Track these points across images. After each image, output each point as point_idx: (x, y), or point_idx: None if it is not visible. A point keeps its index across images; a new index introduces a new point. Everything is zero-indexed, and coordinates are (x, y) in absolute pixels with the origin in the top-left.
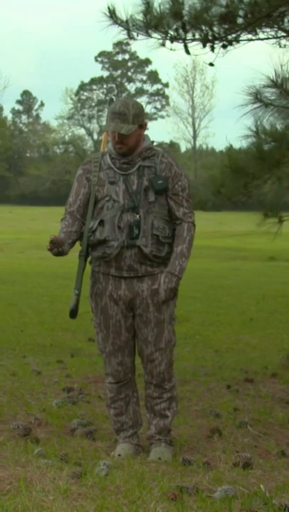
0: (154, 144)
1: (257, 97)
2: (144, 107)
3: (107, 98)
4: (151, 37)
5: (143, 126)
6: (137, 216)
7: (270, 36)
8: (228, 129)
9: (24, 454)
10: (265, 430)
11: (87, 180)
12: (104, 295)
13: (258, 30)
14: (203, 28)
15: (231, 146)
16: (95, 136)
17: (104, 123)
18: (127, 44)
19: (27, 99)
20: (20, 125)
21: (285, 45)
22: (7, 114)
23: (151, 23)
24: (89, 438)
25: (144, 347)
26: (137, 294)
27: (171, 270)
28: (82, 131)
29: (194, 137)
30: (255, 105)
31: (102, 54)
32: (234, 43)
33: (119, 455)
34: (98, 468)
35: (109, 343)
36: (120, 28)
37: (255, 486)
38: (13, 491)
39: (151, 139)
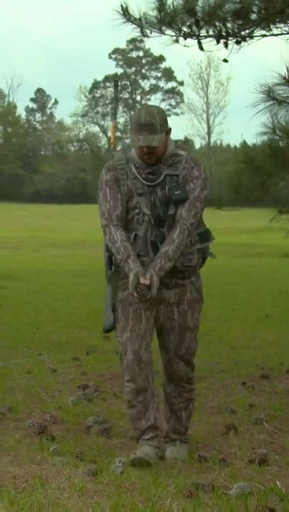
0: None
1: (270, 94)
2: (158, 104)
3: (113, 82)
4: (165, 34)
5: (168, 132)
6: (163, 230)
7: (284, 32)
8: (243, 125)
9: (40, 451)
10: (281, 426)
11: (117, 183)
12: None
13: (271, 26)
14: (217, 24)
15: (245, 142)
16: (109, 134)
17: (118, 120)
18: (141, 41)
19: (41, 97)
20: (35, 123)
21: None
22: (21, 112)
23: (165, 20)
24: (104, 435)
25: (164, 351)
26: (163, 299)
27: (150, 267)
28: (97, 128)
29: (209, 134)
30: (269, 103)
31: (116, 51)
32: (248, 39)
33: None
34: (114, 466)
35: (127, 330)
36: (133, 25)
37: (271, 482)
38: (28, 488)
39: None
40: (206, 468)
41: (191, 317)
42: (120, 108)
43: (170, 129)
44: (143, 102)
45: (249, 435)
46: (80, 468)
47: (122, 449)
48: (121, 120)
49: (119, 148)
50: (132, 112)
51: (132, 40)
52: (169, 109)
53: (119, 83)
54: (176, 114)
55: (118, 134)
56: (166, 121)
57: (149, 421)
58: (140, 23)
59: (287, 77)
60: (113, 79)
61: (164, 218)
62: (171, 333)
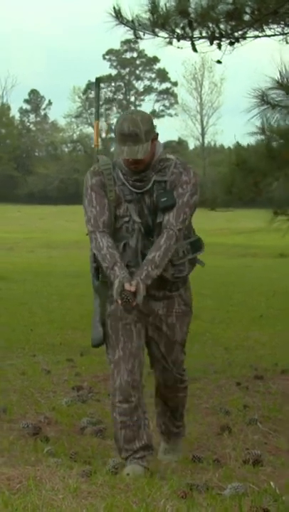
0: (163, 145)
1: (263, 98)
2: (152, 105)
3: (94, 81)
4: (158, 36)
5: (155, 138)
6: (152, 240)
7: (277, 33)
8: (236, 126)
9: (34, 452)
10: (275, 427)
11: (103, 189)
12: (116, 303)
13: (264, 27)
14: (210, 25)
15: (238, 143)
16: (103, 135)
17: (112, 121)
18: (135, 42)
19: (35, 98)
20: (28, 124)
21: None
22: (15, 113)
23: (158, 21)
24: (98, 436)
25: (154, 360)
26: (152, 311)
27: (136, 274)
28: (90, 129)
29: (202, 135)
30: (263, 107)
31: (110, 52)
32: (241, 40)
33: (128, 474)
34: (108, 467)
35: (119, 348)
36: (126, 28)
37: (265, 483)
38: (22, 489)
39: (161, 142)
40: (200, 469)
41: (180, 330)
42: (114, 109)
43: (157, 134)
44: (137, 103)
45: (243, 436)
46: (74, 469)
47: (116, 450)
48: (115, 121)
49: (112, 149)
50: None
51: (126, 41)
52: (163, 110)
53: (114, 84)
54: (170, 115)
55: (112, 135)
56: (151, 128)
57: (142, 440)
58: (133, 25)
59: (280, 80)
60: (95, 78)
61: (152, 227)
62: (160, 344)
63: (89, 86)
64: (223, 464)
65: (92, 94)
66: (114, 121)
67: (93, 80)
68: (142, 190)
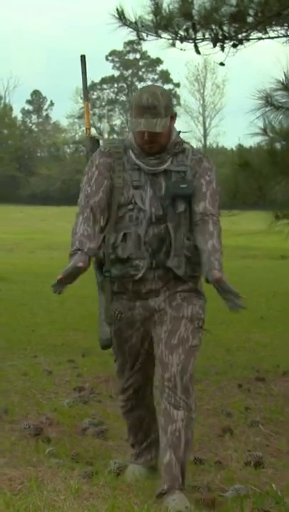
0: (180, 134)
1: (268, 100)
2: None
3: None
4: (161, 37)
5: (174, 117)
6: (161, 228)
7: (281, 35)
8: (239, 128)
9: (35, 453)
10: (277, 429)
11: (110, 173)
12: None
13: (268, 29)
14: (213, 27)
15: (240, 145)
16: (106, 136)
17: (114, 122)
18: (138, 43)
19: (37, 99)
20: (30, 125)
21: None
22: (17, 114)
23: (161, 23)
24: (100, 437)
25: (156, 348)
26: (153, 310)
27: (211, 269)
28: (93, 130)
29: (205, 136)
30: (266, 109)
31: (112, 53)
32: (244, 42)
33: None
34: (109, 468)
35: (127, 368)
36: (130, 29)
37: (266, 485)
38: (24, 490)
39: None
40: (201, 471)
41: (187, 307)
42: (117, 110)
43: (175, 113)
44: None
45: (245, 438)
46: (75, 470)
47: (118, 451)
48: (118, 122)
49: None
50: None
51: (129, 43)
52: None
53: (116, 85)
54: None
55: (114, 136)
56: (171, 104)
57: (149, 438)
58: (136, 26)
59: (284, 82)
60: (80, 56)
61: (165, 214)
62: (164, 324)
63: (91, 87)
64: (224, 466)
65: (94, 95)
66: (117, 122)
67: (96, 81)
68: (156, 168)
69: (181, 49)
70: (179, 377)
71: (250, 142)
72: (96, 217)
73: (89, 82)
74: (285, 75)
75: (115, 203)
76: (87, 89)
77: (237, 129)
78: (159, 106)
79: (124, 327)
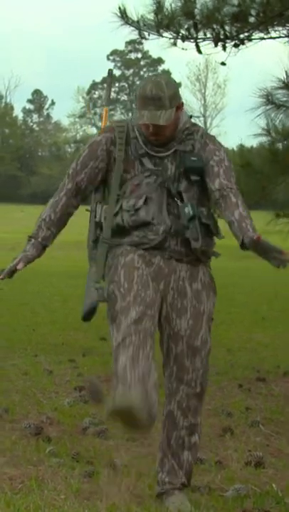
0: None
1: (268, 98)
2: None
3: (108, 71)
4: (163, 36)
5: (180, 107)
6: (176, 202)
7: (282, 35)
8: (240, 127)
9: (36, 453)
10: (277, 429)
11: (106, 152)
12: (130, 253)
13: (269, 29)
14: (215, 27)
15: (242, 145)
16: (101, 123)
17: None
18: (140, 43)
19: (38, 98)
20: (31, 124)
21: None
22: (18, 113)
23: (163, 22)
24: (101, 437)
25: (173, 344)
26: (173, 270)
27: (246, 234)
28: (94, 129)
29: None
30: (268, 107)
31: (114, 53)
32: (246, 42)
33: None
34: (110, 467)
35: (131, 295)
36: (131, 28)
37: (267, 485)
38: (25, 489)
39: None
40: (202, 471)
41: (207, 300)
42: (118, 109)
43: (182, 103)
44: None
45: (245, 438)
46: (76, 469)
47: (118, 451)
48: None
49: None
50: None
51: (131, 42)
52: None
53: (118, 84)
54: None
55: None
56: (177, 94)
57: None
58: (138, 25)
59: (286, 81)
60: (109, 71)
61: (175, 194)
62: (183, 315)
63: (92, 86)
64: (225, 466)
65: (96, 95)
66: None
67: (97, 80)
68: (161, 154)
69: (183, 48)
70: (200, 383)
71: (252, 142)
72: (69, 202)
73: (90, 82)
74: (286, 73)
75: (118, 178)
76: (109, 97)
77: (238, 129)
78: (163, 97)
79: (139, 260)
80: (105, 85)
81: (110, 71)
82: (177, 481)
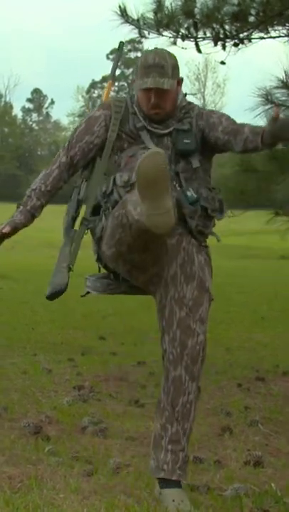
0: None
1: (268, 98)
2: None
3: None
4: (163, 35)
5: (180, 83)
6: (179, 178)
7: (282, 34)
8: None
9: (35, 452)
10: (276, 429)
11: (104, 129)
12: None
13: (269, 29)
14: (215, 26)
15: None
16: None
17: None
18: (139, 42)
19: (37, 98)
20: (31, 123)
21: None
22: (17, 112)
23: (163, 21)
24: (100, 436)
25: (177, 308)
26: (183, 234)
27: (259, 129)
28: None
29: None
30: (267, 107)
31: (114, 52)
32: (246, 41)
33: None
34: (109, 467)
35: None
36: (131, 26)
37: (266, 484)
38: (24, 488)
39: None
40: (201, 470)
41: (210, 277)
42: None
43: (182, 78)
44: None
45: (244, 437)
46: (75, 468)
47: (117, 450)
48: None
49: None
50: None
51: (130, 41)
52: None
53: (117, 83)
54: None
55: None
56: (178, 66)
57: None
58: (138, 24)
59: (285, 80)
60: (120, 43)
61: (175, 170)
62: (191, 283)
63: (92, 85)
64: (224, 465)
65: (95, 94)
66: None
67: (96, 79)
68: (161, 131)
69: (182, 47)
70: (202, 348)
71: None
72: (61, 175)
73: (89, 81)
74: (285, 73)
75: (109, 150)
76: (115, 71)
77: None
78: (166, 66)
79: None
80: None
81: (121, 43)
82: (179, 449)
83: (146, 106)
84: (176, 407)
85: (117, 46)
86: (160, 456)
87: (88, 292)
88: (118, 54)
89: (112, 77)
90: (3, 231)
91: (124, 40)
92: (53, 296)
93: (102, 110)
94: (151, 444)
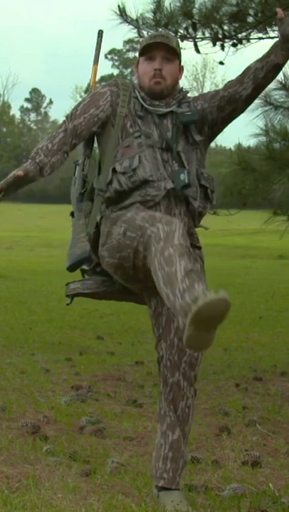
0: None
1: (266, 100)
2: None
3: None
4: None
5: (182, 69)
6: (180, 158)
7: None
8: (237, 127)
9: (33, 451)
10: (274, 428)
11: (110, 104)
12: (132, 209)
13: (268, 29)
14: (214, 26)
15: (240, 144)
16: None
17: None
18: (138, 42)
19: (36, 97)
20: (29, 123)
21: None
22: (15, 112)
23: (162, 21)
24: (98, 436)
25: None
26: (184, 213)
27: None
28: None
29: None
30: (266, 108)
31: (112, 52)
32: (244, 41)
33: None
34: (107, 466)
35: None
36: (130, 26)
37: (264, 484)
38: (22, 488)
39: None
40: (199, 470)
41: (205, 282)
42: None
43: (183, 66)
44: None
45: (242, 437)
46: (73, 468)
47: (115, 450)
48: None
49: None
50: None
51: (129, 41)
52: None
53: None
54: None
55: None
56: (180, 51)
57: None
58: (137, 24)
59: (283, 81)
60: (99, 31)
61: (176, 149)
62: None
63: (90, 85)
64: (221, 465)
65: None
66: None
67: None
68: (159, 110)
69: (181, 48)
70: (200, 355)
71: (248, 142)
72: (66, 140)
73: (88, 81)
74: (284, 74)
75: (118, 133)
76: (98, 57)
77: (236, 128)
78: (171, 38)
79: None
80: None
81: (100, 31)
82: (179, 456)
83: (149, 76)
84: (176, 411)
85: (116, 46)
86: (160, 464)
87: (73, 298)
88: (99, 40)
89: (95, 62)
90: (17, 174)
91: (102, 29)
92: (75, 265)
93: (108, 87)
94: (153, 453)
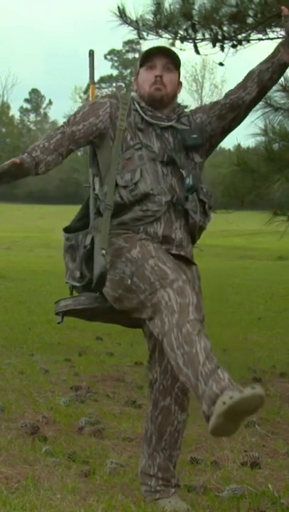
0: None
1: (267, 101)
2: None
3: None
4: (162, 37)
5: (181, 83)
6: (181, 173)
7: (280, 36)
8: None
9: (32, 452)
10: (273, 429)
11: (108, 116)
12: (133, 246)
13: (267, 30)
14: (213, 27)
15: (239, 144)
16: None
17: None
18: (137, 43)
19: (35, 98)
20: (29, 123)
21: None
22: (15, 112)
23: (161, 23)
24: (97, 436)
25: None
26: (171, 240)
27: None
28: None
29: None
30: (266, 109)
31: (111, 52)
32: (244, 42)
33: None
34: (106, 467)
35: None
36: (130, 27)
37: (263, 485)
38: (21, 489)
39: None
40: (198, 471)
41: (202, 303)
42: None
43: (181, 82)
44: None
45: (241, 438)
46: (72, 469)
47: (114, 450)
48: None
49: None
50: None
51: (128, 42)
52: None
53: (115, 84)
54: None
55: None
56: (180, 64)
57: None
58: (137, 25)
59: (283, 83)
60: (90, 51)
61: (178, 162)
62: (193, 290)
63: (90, 86)
64: (221, 466)
65: None
66: None
67: (95, 80)
68: (159, 123)
69: (181, 49)
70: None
71: (247, 143)
72: (63, 142)
73: (87, 81)
74: (284, 77)
75: (119, 146)
76: (93, 75)
77: (236, 129)
78: (172, 51)
79: (148, 239)
80: (107, 92)
81: (91, 51)
82: (170, 476)
83: (149, 83)
84: (163, 435)
85: (115, 47)
86: (151, 483)
87: (64, 316)
88: (91, 60)
89: (91, 81)
90: (13, 160)
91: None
92: (99, 282)
93: (108, 98)
94: (140, 474)
